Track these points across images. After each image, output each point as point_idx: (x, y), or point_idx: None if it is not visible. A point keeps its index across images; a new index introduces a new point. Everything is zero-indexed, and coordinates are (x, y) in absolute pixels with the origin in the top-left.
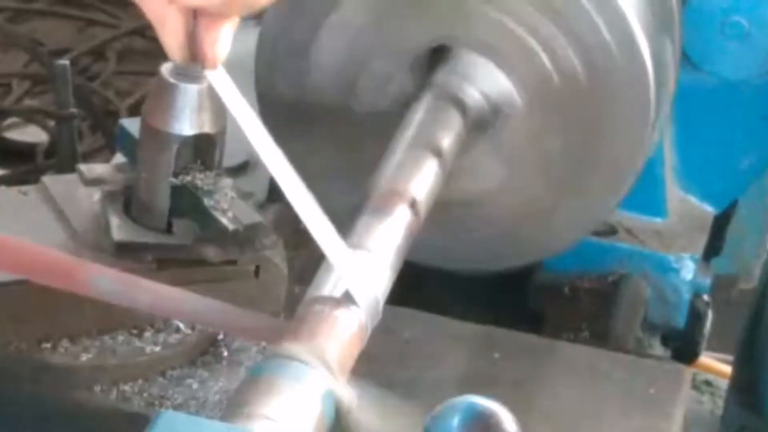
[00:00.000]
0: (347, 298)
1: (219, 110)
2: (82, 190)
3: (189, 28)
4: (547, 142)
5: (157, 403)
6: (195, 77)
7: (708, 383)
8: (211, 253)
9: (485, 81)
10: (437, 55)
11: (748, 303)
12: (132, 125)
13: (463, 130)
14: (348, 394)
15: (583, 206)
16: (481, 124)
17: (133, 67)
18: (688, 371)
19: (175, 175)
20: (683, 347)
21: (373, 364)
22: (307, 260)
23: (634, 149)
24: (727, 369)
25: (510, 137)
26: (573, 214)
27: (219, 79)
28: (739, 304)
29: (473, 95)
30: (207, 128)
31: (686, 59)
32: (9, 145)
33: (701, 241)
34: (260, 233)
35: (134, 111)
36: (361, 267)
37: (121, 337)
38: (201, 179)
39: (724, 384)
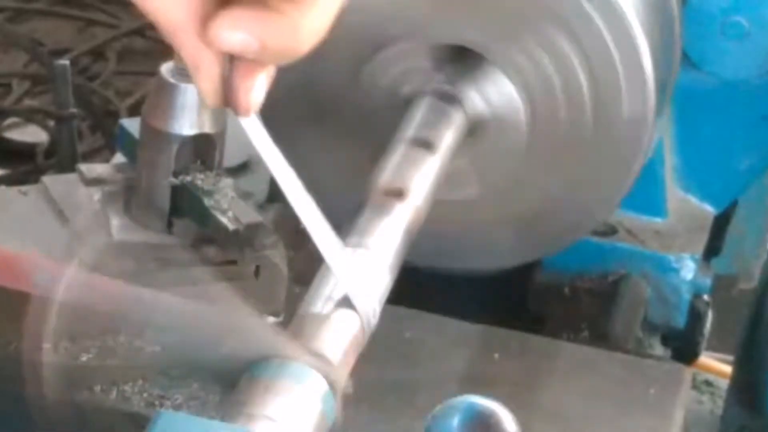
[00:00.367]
0: (345, 303)
1: (219, 110)
2: (82, 190)
3: (224, 74)
4: (546, 144)
5: (157, 403)
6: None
7: (708, 383)
8: (211, 253)
9: (492, 87)
10: (442, 55)
11: (748, 303)
12: (132, 125)
13: (464, 132)
14: (348, 394)
15: (583, 206)
16: (482, 128)
17: (133, 67)
18: (688, 371)
19: (175, 175)
20: (683, 347)
21: (373, 364)
22: (307, 260)
23: (633, 149)
24: (727, 369)
25: (511, 141)
26: (573, 214)
27: (252, 125)
28: (739, 304)
29: (475, 98)
30: (207, 128)
31: (686, 59)
32: (9, 145)
33: (701, 241)
34: (260, 233)
35: (134, 111)
36: (360, 270)
37: (121, 337)
38: (201, 179)
39: (724, 384)
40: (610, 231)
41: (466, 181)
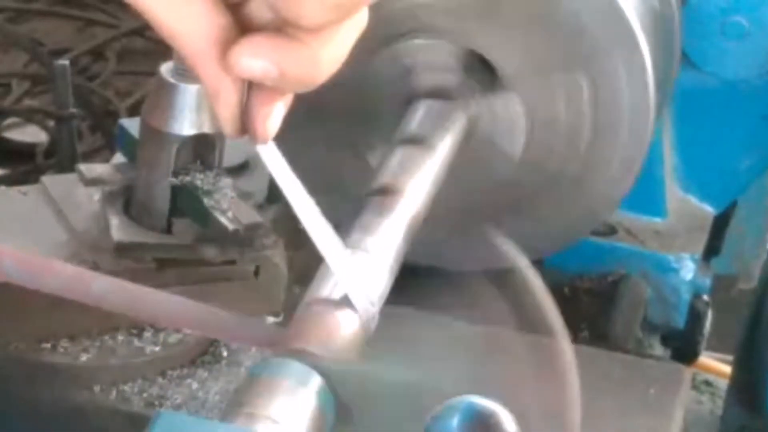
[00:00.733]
0: (345, 303)
1: None
2: (82, 190)
3: (242, 101)
4: (546, 144)
5: (157, 403)
6: (195, 77)
7: (708, 383)
8: (211, 253)
9: (492, 86)
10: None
11: (748, 303)
12: (132, 125)
13: (465, 132)
14: (348, 394)
15: (583, 205)
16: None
17: (133, 67)
18: (688, 371)
19: (175, 175)
20: (683, 347)
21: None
22: (307, 260)
23: (633, 149)
24: (727, 369)
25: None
26: (573, 214)
27: (269, 153)
28: (739, 304)
29: (448, 78)
30: (207, 128)
31: (686, 59)
32: (9, 145)
33: (701, 241)
34: (260, 233)
35: (134, 111)
36: (360, 271)
37: (121, 337)
38: (201, 179)
39: (724, 384)
40: (610, 231)
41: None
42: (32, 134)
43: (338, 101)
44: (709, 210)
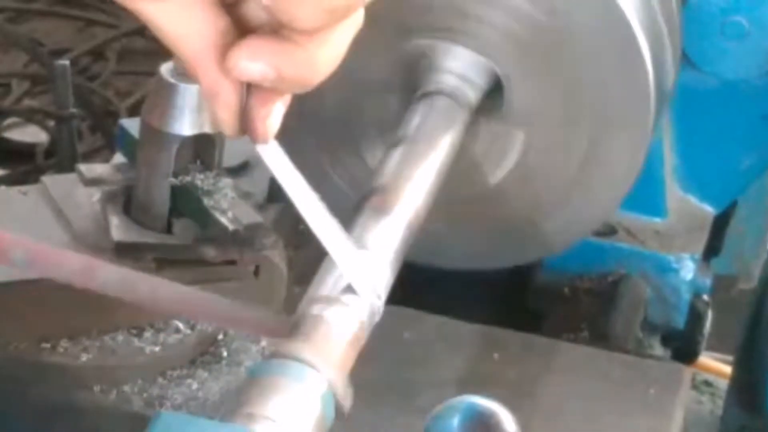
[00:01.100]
0: (349, 292)
1: None
2: (82, 190)
3: (241, 102)
4: (545, 144)
5: (157, 403)
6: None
7: (708, 383)
8: (211, 253)
9: (467, 68)
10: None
11: (748, 303)
12: (132, 125)
13: (464, 124)
14: (348, 394)
15: (584, 205)
16: (483, 107)
17: (133, 67)
18: (688, 371)
19: (175, 175)
20: (683, 347)
21: (373, 365)
22: (307, 260)
23: (634, 149)
24: (727, 369)
25: (510, 141)
26: (574, 213)
27: (270, 152)
28: (739, 304)
29: (458, 85)
30: (207, 128)
31: (686, 59)
32: (9, 145)
33: (701, 241)
34: (260, 233)
35: (134, 111)
36: (364, 263)
37: (121, 337)
38: (201, 179)
39: (724, 384)
40: (610, 231)
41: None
42: (32, 134)
43: (337, 100)
44: (709, 210)
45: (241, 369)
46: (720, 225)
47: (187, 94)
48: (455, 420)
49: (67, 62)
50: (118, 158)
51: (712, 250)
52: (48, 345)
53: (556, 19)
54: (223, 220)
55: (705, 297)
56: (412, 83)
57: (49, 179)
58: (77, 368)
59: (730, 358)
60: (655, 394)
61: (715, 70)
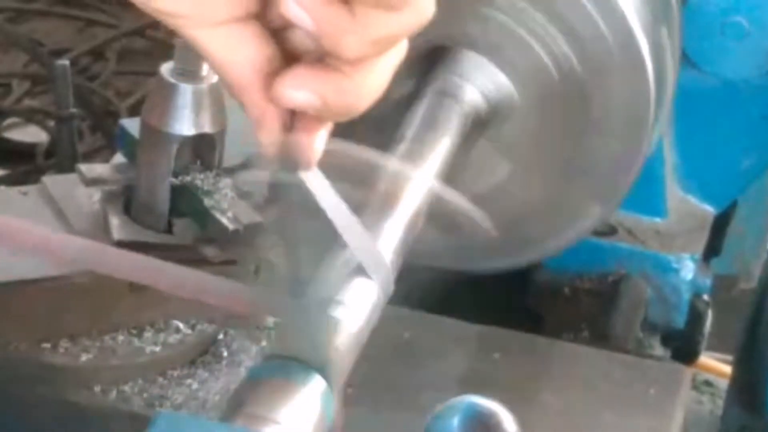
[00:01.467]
0: (359, 272)
1: (219, 110)
2: (82, 190)
3: (286, 128)
4: (548, 140)
5: (157, 403)
6: (195, 77)
7: (708, 383)
8: (211, 253)
9: (484, 79)
10: (436, 55)
11: (748, 303)
12: (132, 125)
13: (463, 129)
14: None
15: (584, 205)
16: (481, 122)
17: (133, 67)
18: (688, 371)
19: (175, 175)
20: (683, 347)
21: (373, 365)
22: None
23: (634, 149)
24: (727, 369)
25: (511, 134)
26: (573, 213)
27: (313, 178)
28: (739, 304)
29: (472, 94)
30: (207, 128)
31: (686, 59)
32: (9, 145)
33: (701, 241)
34: (260, 233)
35: (134, 111)
36: (374, 243)
37: (121, 337)
38: (201, 179)
39: (724, 384)
40: (610, 231)
41: (485, 172)
42: (32, 134)
43: None
44: (709, 210)
45: (241, 369)
46: (720, 225)
47: (187, 94)
48: (455, 420)
49: (67, 62)
50: (118, 158)
51: (712, 250)
52: (48, 345)
53: (587, 67)
54: (223, 220)
55: (705, 297)
56: (413, 83)
57: (49, 179)
58: (77, 368)
59: (730, 358)
60: (655, 394)
61: (715, 70)
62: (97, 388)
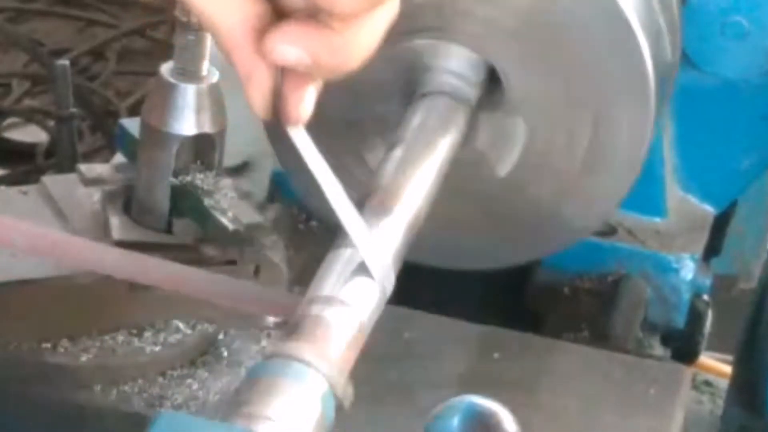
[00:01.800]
0: (362, 269)
1: (219, 110)
2: (82, 190)
3: (275, 85)
4: (545, 144)
5: (157, 403)
6: (195, 77)
7: (708, 383)
8: (211, 253)
9: (491, 85)
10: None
11: (748, 303)
12: (132, 125)
13: (463, 122)
14: (348, 394)
15: (584, 205)
16: (484, 101)
17: (133, 67)
18: (688, 371)
19: (175, 175)
20: (683, 347)
21: (373, 365)
22: (307, 260)
23: (634, 149)
24: (727, 369)
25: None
26: (574, 213)
27: (299, 136)
28: (739, 304)
29: (459, 84)
30: (207, 128)
31: (686, 59)
32: (9, 145)
33: (701, 241)
34: (260, 233)
35: (134, 111)
36: (376, 240)
37: (121, 337)
38: (201, 179)
39: (724, 384)
40: (610, 231)
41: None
42: (32, 134)
43: (337, 102)
44: (709, 210)
45: (241, 369)
46: (720, 225)
47: (187, 94)
48: (455, 420)
49: (67, 62)
50: (118, 158)
51: (712, 250)
52: (48, 345)
53: (553, 14)
54: (223, 220)
55: (705, 297)
56: (410, 84)
57: (49, 179)
58: (77, 368)
59: (730, 358)
60: (655, 394)
61: (715, 70)
62: (97, 388)
